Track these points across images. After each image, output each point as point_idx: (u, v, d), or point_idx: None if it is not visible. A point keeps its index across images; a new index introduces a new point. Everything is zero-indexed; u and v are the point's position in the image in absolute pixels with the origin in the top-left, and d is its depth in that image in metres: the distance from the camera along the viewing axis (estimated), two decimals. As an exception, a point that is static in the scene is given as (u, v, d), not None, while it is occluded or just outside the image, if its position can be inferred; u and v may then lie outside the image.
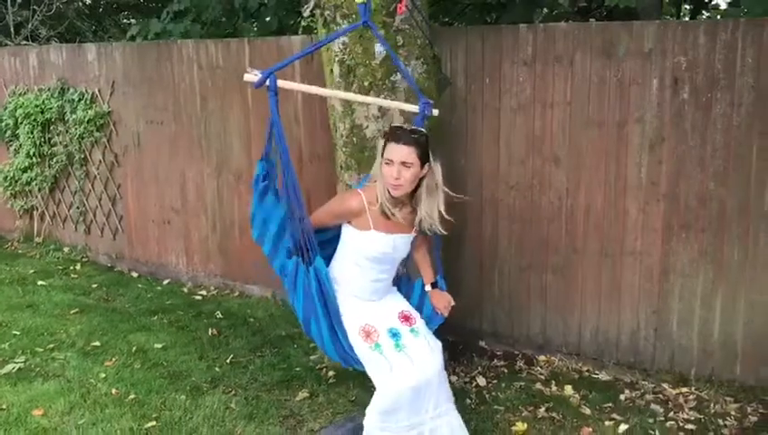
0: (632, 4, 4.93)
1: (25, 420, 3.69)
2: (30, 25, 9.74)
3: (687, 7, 7.53)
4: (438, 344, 3.07)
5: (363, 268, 3.03)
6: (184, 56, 5.81)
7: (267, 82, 2.67)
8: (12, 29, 9.63)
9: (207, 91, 5.72)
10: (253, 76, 2.66)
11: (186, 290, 5.99)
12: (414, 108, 3.32)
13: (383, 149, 2.92)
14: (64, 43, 9.29)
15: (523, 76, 4.30)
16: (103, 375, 4.25)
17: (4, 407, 3.84)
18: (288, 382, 4.16)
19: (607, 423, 3.63)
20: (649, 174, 4.02)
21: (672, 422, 3.63)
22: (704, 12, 6.78)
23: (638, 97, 3.98)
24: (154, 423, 3.67)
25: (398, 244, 3.02)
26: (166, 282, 6.20)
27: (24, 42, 9.48)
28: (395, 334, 3.00)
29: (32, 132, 6.89)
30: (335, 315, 2.92)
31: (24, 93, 7.05)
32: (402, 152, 2.84)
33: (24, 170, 7.09)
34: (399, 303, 3.18)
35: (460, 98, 4.49)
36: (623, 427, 3.57)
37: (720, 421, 3.64)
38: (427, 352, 2.99)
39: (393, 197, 2.91)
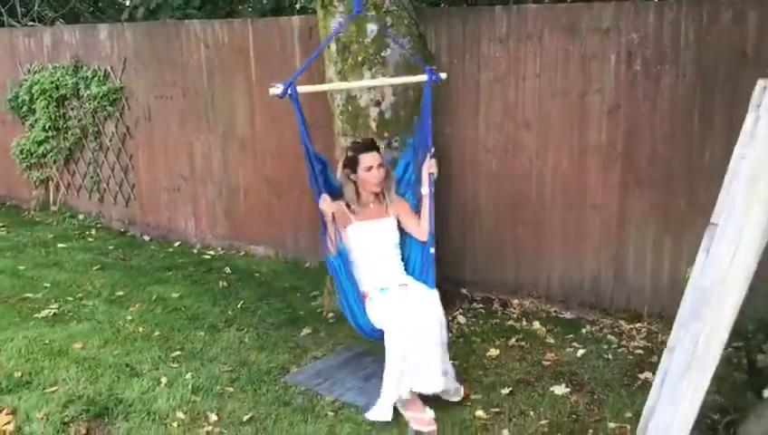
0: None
1: (67, 352, 4.27)
2: (36, 7, 10.18)
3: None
4: (433, 291, 3.62)
5: (361, 260, 3.73)
6: (192, 35, 6.33)
7: (289, 91, 3.32)
8: (19, 10, 10.06)
9: (214, 68, 6.25)
10: (276, 89, 3.31)
11: (195, 251, 6.56)
12: (422, 78, 3.83)
13: (355, 162, 3.75)
14: (66, 23, 9.78)
15: (498, 52, 4.85)
16: (129, 318, 4.83)
17: (47, 342, 4.41)
18: (293, 322, 4.75)
19: (568, 350, 4.24)
20: (608, 137, 4.59)
21: (623, 349, 4.24)
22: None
23: (598, 70, 4.54)
24: (179, 353, 4.26)
25: (380, 227, 3.79)
26: (176, 244, 6.77)
27: (31, 23, 9.93)
28: (383, 289, 3.66)
29: (47, 107, 7.40)
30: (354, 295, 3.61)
31: (40, 71, 7.54)
32: (376, 157, 3.74)
33: (40, 143, 7.61)
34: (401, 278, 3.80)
35: (443, 72, 5.02)
36: (581, 351, 4.18)
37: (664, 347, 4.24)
38: (417, 295, 3.60)
39: (370, 193, 3.79)
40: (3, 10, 10.07)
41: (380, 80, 4.32)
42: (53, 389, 3.80)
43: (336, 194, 3.77)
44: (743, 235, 1.99)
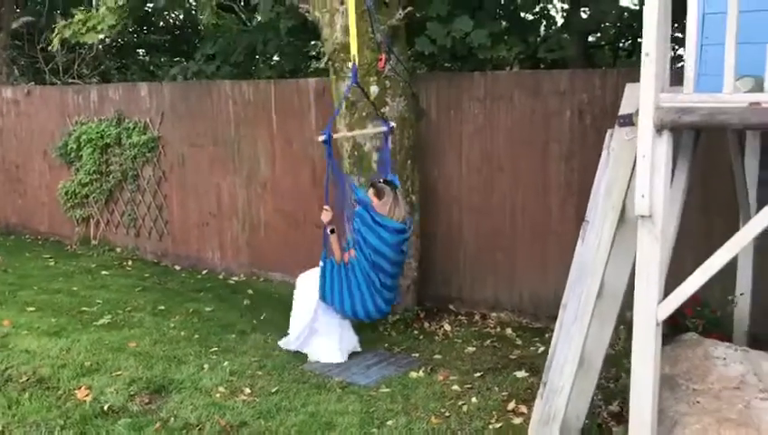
0: (558, 57, 6.65)
1: (125, 349, 5.26)
2: (76, 66, 11.44)
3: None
4: None
5: None
6: (222, 93, 7.47)
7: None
8: (60, 69, 11.33)
9: (240, 121, 7.37)
10: (321, 136, 4.65)
11: (221, 277, 7.58)
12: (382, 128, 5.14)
13: None
14: (101, 81, 11.05)
15: (477, 109, 5.94)
16: (172, 325, 5.83)
17: (106, 342, 5.41)
18: (307, 329, 5.73)
19: (531, 348, 5.22)
20: (565, 179, 5.64)
21: (577, 348, 5.21)
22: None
23: (557, 124, 5.62)
24: (216, 349, 5.25)
25: None
26: (204, 272, 7.79)
27: (71, 80, 11.17)
28: None
29: (93, 154, 8.52)
30: None
31: (86, 123, 8.69)
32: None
33: (84, 185, 8.72)
34: None
35: (433, 124, 6.13)
36: (542, 349, 5.15)
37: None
38: None
39: None
40: (46, 69, 11.36)
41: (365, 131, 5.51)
42: (118, 373, 4.79)
43: None
44: (603, 227, 3.01)
